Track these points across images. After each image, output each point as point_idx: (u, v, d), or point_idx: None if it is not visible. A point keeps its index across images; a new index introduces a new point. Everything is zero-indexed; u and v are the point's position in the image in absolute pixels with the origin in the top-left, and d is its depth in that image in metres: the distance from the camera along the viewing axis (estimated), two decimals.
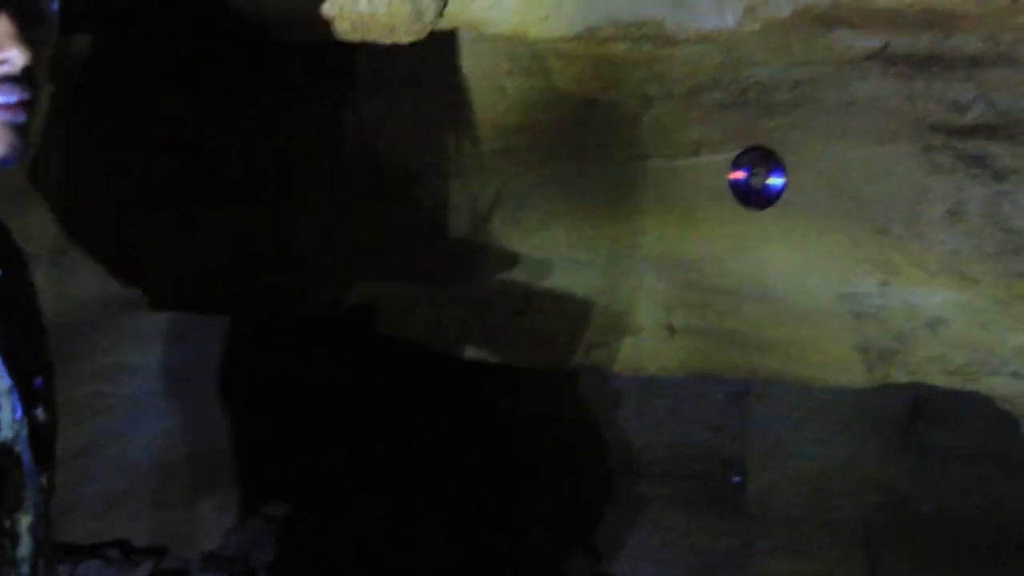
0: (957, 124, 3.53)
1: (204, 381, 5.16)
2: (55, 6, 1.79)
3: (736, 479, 5.22)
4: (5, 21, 1.66)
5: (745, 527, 5.51)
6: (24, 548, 1.89)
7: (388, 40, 3.31)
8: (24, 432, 1.87)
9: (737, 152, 3.72)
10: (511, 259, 4.18)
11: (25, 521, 1.88)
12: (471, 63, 3.88)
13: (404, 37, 3.31)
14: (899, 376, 4.07)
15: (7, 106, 1.69)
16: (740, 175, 3.68)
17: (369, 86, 4.10)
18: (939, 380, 4.02)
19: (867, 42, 3.30)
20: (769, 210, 3.71)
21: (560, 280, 4.21)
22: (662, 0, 3.20)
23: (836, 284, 3.95)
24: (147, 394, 4.86)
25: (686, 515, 5.65)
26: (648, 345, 4.25)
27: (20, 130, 1.70)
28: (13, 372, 1.85)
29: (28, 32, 1.68)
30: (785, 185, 3.64)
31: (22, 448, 1.86)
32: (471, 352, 4.60)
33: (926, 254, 3.78)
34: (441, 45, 3.73)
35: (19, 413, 1.86)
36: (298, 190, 4.29)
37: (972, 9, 2.94)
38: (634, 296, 4.19)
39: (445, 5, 3.21)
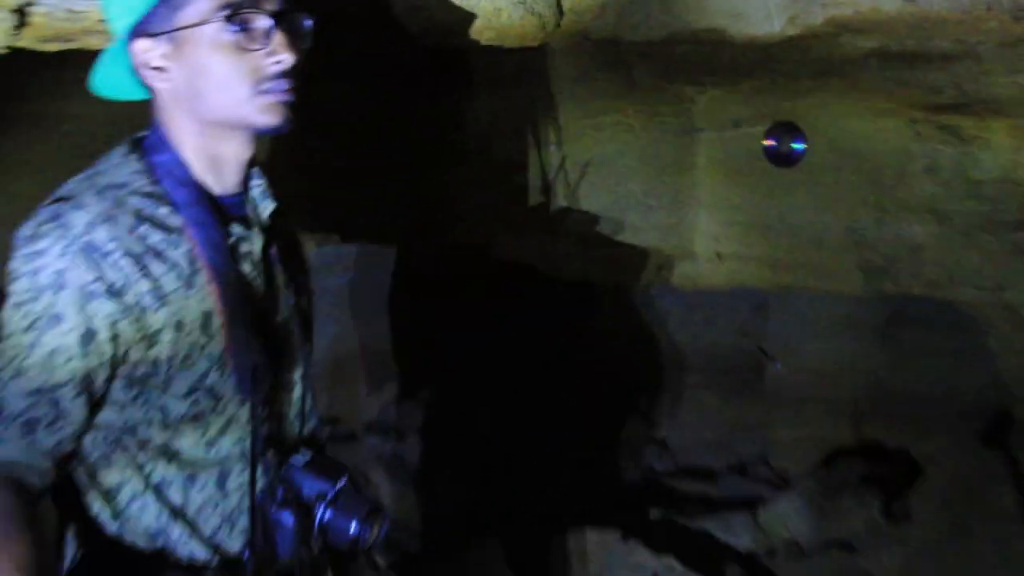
0: (935, 103, 3.84)
1: (365, 297, 5.41)
2: (309, 23, 2.01)
3: (777, 366, 5.44)
4: (280, 34, 1.91)
5: (762, 406, 5.85)
6: (297, 391, 2.18)
7: (518, 44, 3.47)
8: (294, 314, 2.16)
9: (769, 125, 4.10)
10: (601, 206, 4.54)
11: (298, 373, 2.18)
12: (571, 62, 4.21)
13: (531, 42, 3.49)
14: (888, 288, 4.55)
15: (284, 91, 1.94)
16: (772, 142, 4.04)
17: (487, 83, 4.39)
18: (917, 291, 4.49)
19: (868, 43, 3.48)
20: (793, 168, 4.09)
21: (637, 219, 4.56)
22: (726, 11, 3.37)
23: (843, 220, 4.36)
24: (325, 306, 4.98)
25: (718, 398, 6.02)
26: (703, 267, 4.66)
27: (290, 107, 1.96)
28: (288, 273, 2.15)
29: (295, 42, 1.94)
30: (806, 149, 4.00)
31: (294, 325, 2.15)
32: (572, 275, 4.95)
33: (910, 199, 4.21)
34: (551, 48, 4.03)
35: (291, 300, 2.15)
36: (434, 166, 4.59)
37: (949, 18, 3.14)
38: (692, 231, 4.59)
39: (562, 16, 3.44)
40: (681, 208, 4.57)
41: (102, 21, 2.28)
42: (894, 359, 5.56)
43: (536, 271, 5.01)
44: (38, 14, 2.22)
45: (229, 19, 1.87)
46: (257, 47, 1.91)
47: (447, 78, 4.20)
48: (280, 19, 1.92)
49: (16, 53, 2.30)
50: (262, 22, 1.90)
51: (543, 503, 5.16)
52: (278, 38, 1.91)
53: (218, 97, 1.93)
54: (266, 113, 1.93)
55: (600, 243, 4.60)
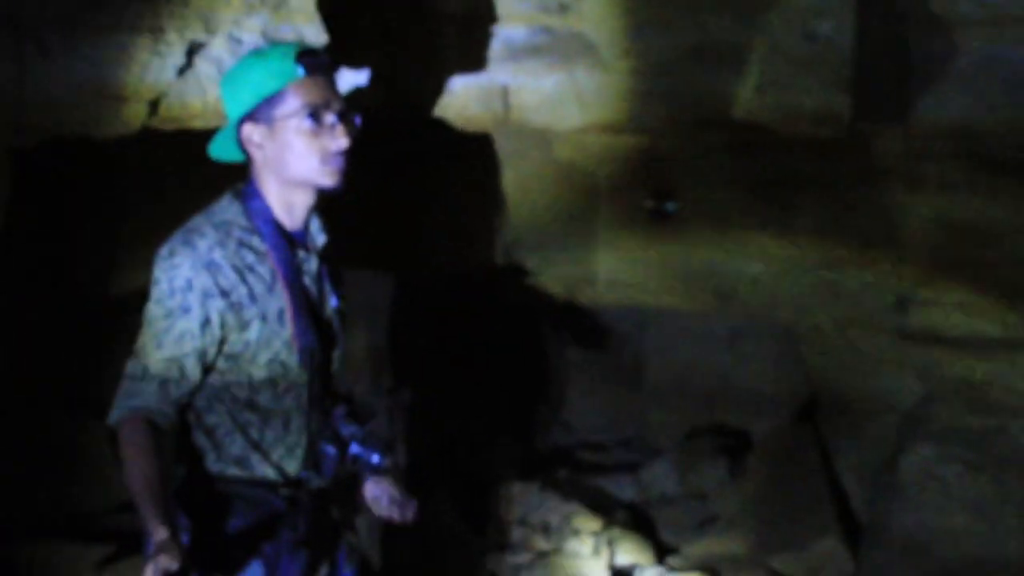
0: None
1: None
2: (359, 120, 2.21)
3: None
4: (341, 126, 2.14)
5: (641, 397, 5.81)
6: (336, 364, 2.36)
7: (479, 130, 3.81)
8: (335, 314, 2.34)
9: (650, 190, 4.26)
10: (531, 246, 4.63)
11: (337, 353, 2.35)
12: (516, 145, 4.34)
13: (488, 130, 3.83)
14: (733, 309, 4.74)
15: (342, 164, 2.16)
16: (653, 203, 4.22)
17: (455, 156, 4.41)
18: (753, 311, 4.72)
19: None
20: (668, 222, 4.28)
21: (556, 256, 4.66)
22: None
23: (702, 259, 4.51)
24: None
25: (608, 391, 5.89)
26: (601, 292, 4.79)
27: (345, 175, 2.19)
28: (332, 285, 2.33)
29: (350, 131, 2.15)
30: (677, 208, 4.18)
31: (335, 321, 2.33)
32: (511, 299, 5.05)
33: (749, 245, 4.43)
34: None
35: (335, 304, 2.33)
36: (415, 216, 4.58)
37: None
38: (595, 265, 4.64)
39: (509, 111, 3.63)
40: (585, 249, 4.62)
41: (205, 109, 2.56)
42: (736, 362, 5.54)
43: (484, 294, 5.10)
44: (163, 105, 2.46)
45: (309, 116, 2.15)
46: (326, 134, 2.17)
47: (427, 153, 4.29)
48: (341, 116, 2.18)
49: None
50: (330, 118, 2.17)
51: (482, 465, 5.19)
52: (339, 129, 2.17)
53: (297, 165, 2.18)
54: (329, 178, 2.19)
55: (529, 272, 4.73)
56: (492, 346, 5.52)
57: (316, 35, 2.70)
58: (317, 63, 2.17)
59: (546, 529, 4.82)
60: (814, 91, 3.31)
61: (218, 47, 2.47)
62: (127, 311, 3.33)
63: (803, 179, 4.11)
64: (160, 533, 1.86)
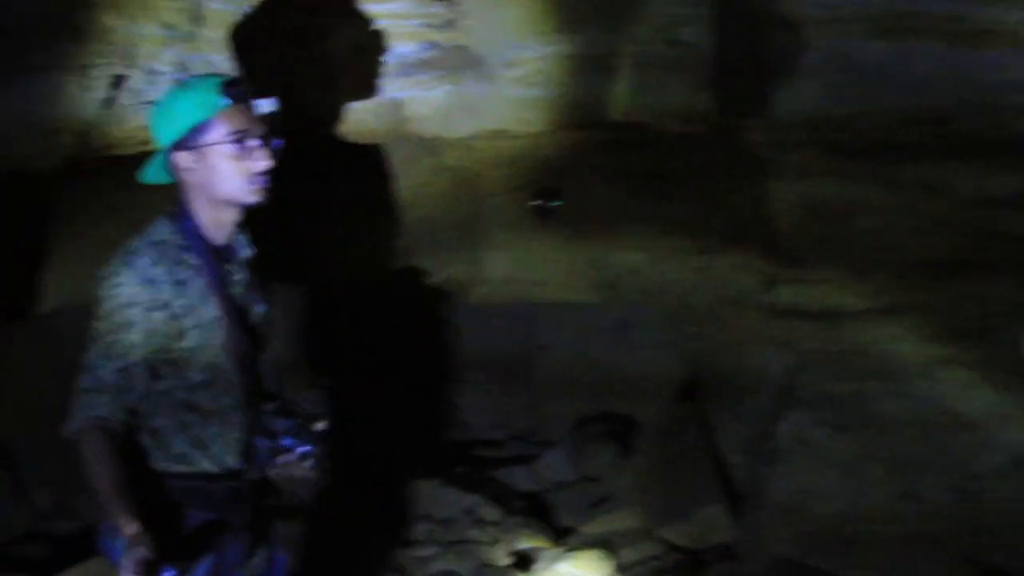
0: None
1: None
2: (280, 143, 2.45)
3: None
4: (263, 149, 2.40)
5: (532, 392, 6.00)
6: (265, 366, 2.62)
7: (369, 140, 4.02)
8: (262, 319, 2.62)
9: (535, 190, 4.52)
10: (425, 248, 4.85)
11: (265, 355, 2.62)
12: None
13: (379, 140, 4.04)
14: (616, 299, 5.08)
15: (265, 182, 2.41)
16: (538, 202, 4.50)
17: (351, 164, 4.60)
18: (634, 299, 5.08)
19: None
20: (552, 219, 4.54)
21: (448, 258, 4.91)
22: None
23: (585, 254, 4.83)
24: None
25: (499, 388, 6.02)
26: (492, 290, 5.06)
27: (268, 192, 2.44)
28: (259, 294, 2.61)
29: (271, 153, 2.42)
30: (560, 206, 4.46)
31: (262, 327, 2.62)
32: (408, 296, 5.22)
33: (627, 237, 4.79)
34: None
35: (261, 310, 2.61)
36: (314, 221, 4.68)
37: None
38: (485, 264, 4.91)
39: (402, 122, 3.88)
40: (476, 249, 4.87)
41: (127, 138, 2.75)
42: (621, 351, 5.72)
43: (383, 298, 5.24)
44: (90, 136, 2.66)
45: (234, 141, 2.40)
46: (249, 157, 2.42)
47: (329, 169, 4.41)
48: (262, 140, 2.44)
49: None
50: (252, 142, 2.43)
51: (385, 464, 5.31)
52: (261, 151, 2.43)
53: (225, 186, 2.44)
54: (254, 196, 2.46)
55: (424, 274, 4.95)
56: (392, 349, 5.67)
57: (223, 62, 2.94)
58: (239, 93, 2.42)
59: (449, 522, 5.03)
60: (681, 92, 3.68)
61: (137, 79, 2.69)
62: (53, 331, 3.49)
63: (675, 173, 4.43)
64: (132, 528, 2.11)
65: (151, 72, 2.78)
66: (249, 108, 2.44)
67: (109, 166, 2.91)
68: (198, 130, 2.39)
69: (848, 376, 4.73)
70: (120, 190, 3.21)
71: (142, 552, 2.08)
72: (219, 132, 2.39)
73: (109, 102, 2.66)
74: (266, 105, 2.48)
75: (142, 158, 2.49)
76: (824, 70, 4.02)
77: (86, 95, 2.56)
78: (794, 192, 4.42)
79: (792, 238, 4.54)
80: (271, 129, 2.48)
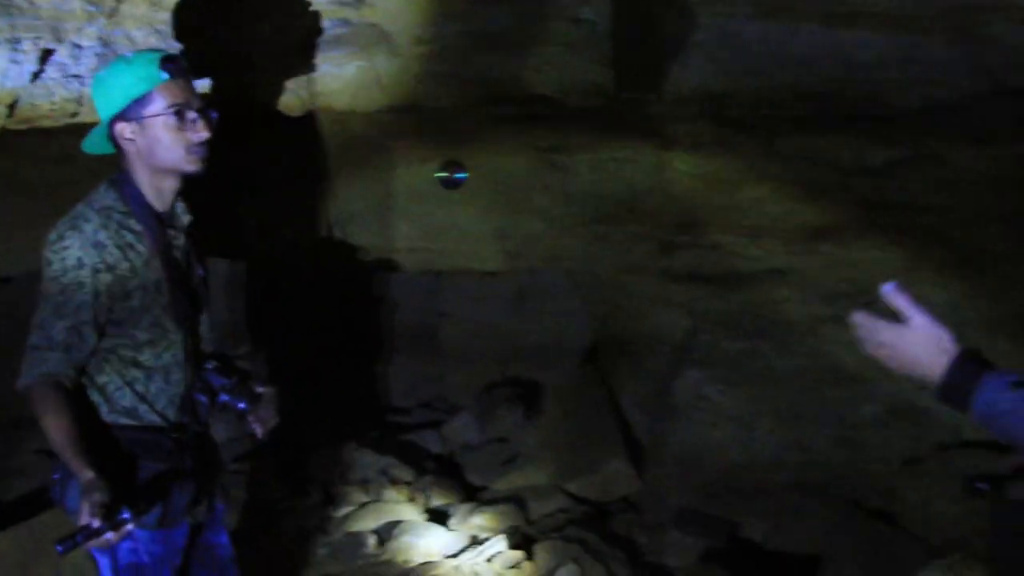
0: (544, 146, 4.67)
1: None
2: (215, 115, 2.60)
3: None
4: (202, 120, 2.55)
5: (439, 360, 6.23)
6: (204, 326, 2.78)
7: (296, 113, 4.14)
8: (200, 282, 2.75)
9: (441, 162, 4.67)
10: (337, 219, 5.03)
11: (204, 315, 2.77)
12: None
13: (297, 112, 4.16)
14: (520, 265, 5.32)
15: (203, 152, 2.56)
16: (444, 173, 4.62)
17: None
18: (538, 265, 5.27)
19: (509, 111, 4.29)
20: (459, 190, 4.68)
21: (357, 230, 5.07)
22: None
23: (491, 222, 5.08)
24: None
25: (408, 357, 6.22)
26: (401, 258, 5.26)
27: (206, 161, 2.60)
28: (197, 258, 2.74)
29: (209, 125, 2.57)
30: (466, 177, 4.59)
31: (200, 289, 2.74)
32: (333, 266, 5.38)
33: (531, 206, 5.00)
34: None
35: (200, 273, 2.75)
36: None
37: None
38: (394, 234, 5.11)
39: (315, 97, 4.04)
40: (386, 220, 5.03)
41: (53, 110, 2.89)
42: (523, 319, 5.96)
43: (295, 265, 5.39)
44: (18, 108, 2.79)
45: (174, 113, 2.57)
46: (188, 128, 2.60)
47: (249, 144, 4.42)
48: (200, 112, 2.61)
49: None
50: (191, 115, 2.60)
51: (300, 430, 5.14)
52: (200, 123, 2.60)
53: (166, 156, 2.60)
54: (193, 165, 2.62)
55: (336, 244, 5.09)
56: (304, 318, 5.79)
57: (144, 38, 3.07)
58: (178, 68, 2.58)
59: (364, 483, 5.21)
60: (582, 68, 3.91)
61: (63, 54, 2.81)
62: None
63: (576, 145, 4.66)
64: (87, 474, 2.28)
65: (75, 47, 2.87)
66: (187, 82, 2.59)
67: (35, 136, 3.02)
68: (139, 102, 2.54)
69: (740, 335, 5.03)
70: (47, 161, 3.36)
71: (99, 496, 2.26)
72: (159, 104, 2.55)
73: (37, 75, 2.76)
74: (200, 80, 2.65)
75: (69, 132, 2.65)
76: (712, 48, 4.27)
77: (17, 67, 2.65)
78: (686, 162, 4.71)
79: (685, 206, 4.81)
80: (205, 103, 2.63)
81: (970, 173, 4.49)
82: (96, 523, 2.22)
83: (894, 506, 4.70)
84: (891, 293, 1.81)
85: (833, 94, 4.52)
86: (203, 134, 2.60)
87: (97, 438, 2.53)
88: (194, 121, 2.59)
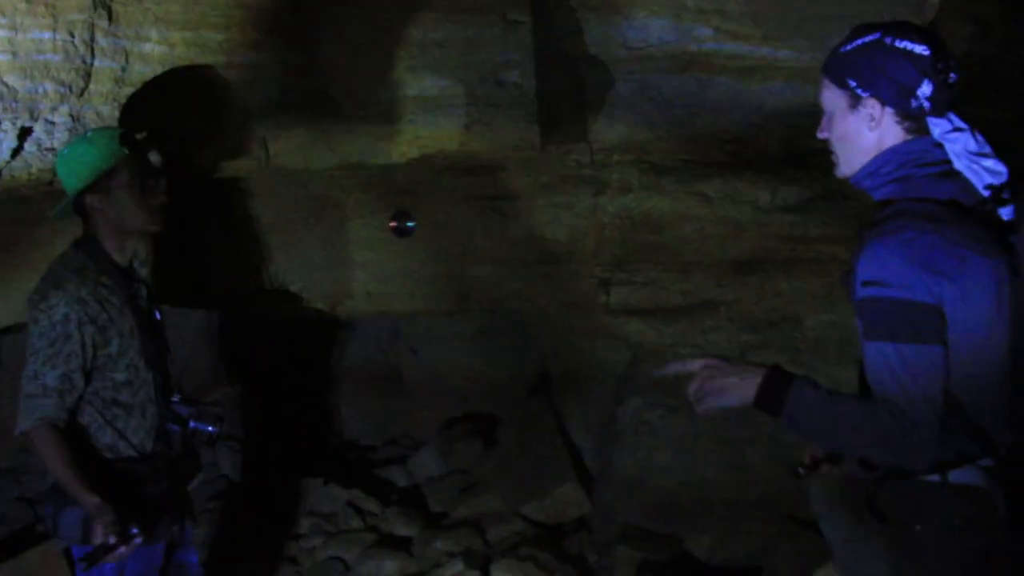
0: (487, 195, 4.98)
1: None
2: (162, 183, 2.97)
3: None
4: (161, 186, 2.98)
5: (402, 399, 6.56)
6: (168, 365, 3.14)
7: (245, 175, 4.37)
8: (160, 327, 3.13)
9: (392, 212, 4.81)
10: (294, 268, 5.24)
11: (168, 357, 3.13)
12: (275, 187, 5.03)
13: (253, 174, 4.40)
14: (472, 306, 5.50)
15: (162, 214, 2.97)
16: (394, 223, 4.74)
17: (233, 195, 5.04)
18: (487, 306, 5.51)
19: (443, 164, 4.62)
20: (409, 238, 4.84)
21: (318, 276, 5.27)
22: (360, 150, 4.42)
23: (443, 266, 5.23)
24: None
25: (372, 397, 6.59)
26: (358, 303, 5.40)
27: (164, 219, 2.99)
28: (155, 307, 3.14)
29: (168, 190, 2.98)
30: (415, 226, 4.73)
31: (161, 333, 3.12)
32: (285, 313, 5.59)
33: (478, 250, 5.26)
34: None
35: (158, 318, 3.12)
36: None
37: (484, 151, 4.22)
38: (350, 281, 5.29)
39: (268, 158, 4.21)
40: (343, 267, 5.23)
41: (30, 181, 3.19)
42: (480, 357, 6.32)
43: (258, 312, 5.65)
44: (2, 177, 3.10)
45: (138, 183, 2.90)
46: (149, 194, 2.93)
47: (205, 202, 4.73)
48: (157, 179, 2.96)
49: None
50: (151, 182, 2.94)
51: (268, 467, 5.78)
52: (160, 189, 2.97)
53: (131, 220, 2.98)
54: (156, 225, 2.98)
55: (295, 292, 5.29)
56: (269, 362, 6.11)
57: (111, 112, 3.38)
58: (135, 143, 2.94)
59: (332, 515, 5.51)
60: (510, 126, 4.18)
61: (38, 130, 3.12)
62: None
63: (515, 193, 4.96)
64: (94, 500, 2.67)
65: (48, 123, 3.18)
66: (144, 154, 2.95)
67: (16, 205, 3.36)
68: (106, 175, 2.89)
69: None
70: (20, 227, 3.68)
71: (110, 516, 2.59)
72: (123, 176, 2.91)
73: (16, 151, 3.08)
74: (155, 154, 2.99)
75: (44, 198, 3.04)
76: (634, 100, 4.59)
77: None
78: (617, 205, 5.01)
79: (618, 246, 5.11)
80: (160, 171, 3.00)
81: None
82: (112, 539, 2.55)
83: None
84: (669, 368, 2.29)
85: (747, 139, 4.84)
86: (163, 198, 2.95)
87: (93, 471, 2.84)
88: (154, 188, 2.93)
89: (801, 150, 4.88)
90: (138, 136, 2.96)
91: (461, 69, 4.08)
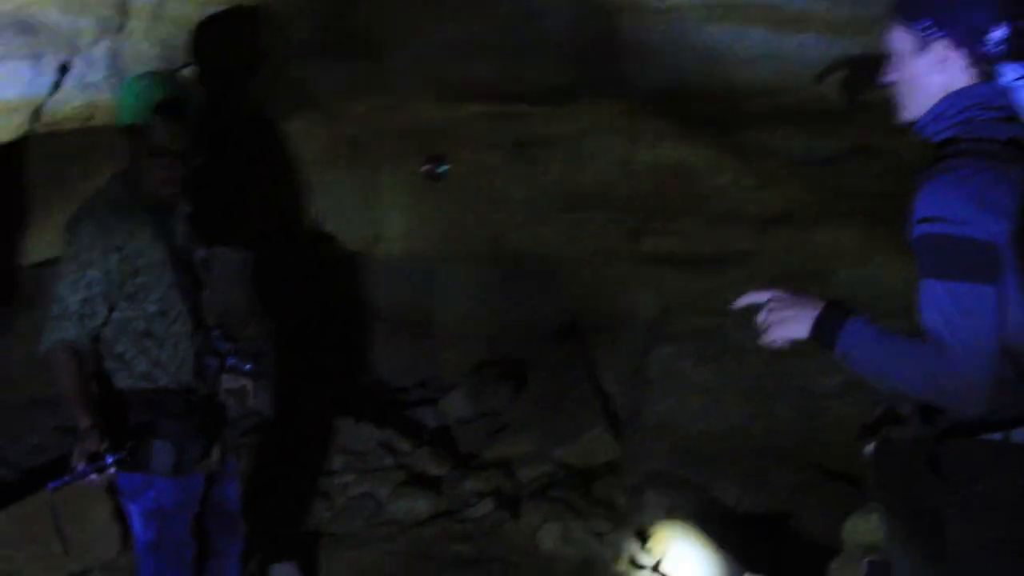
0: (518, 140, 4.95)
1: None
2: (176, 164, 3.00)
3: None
4: (178, 169, 2.95)
5: (432, 341, 6.51)
6: (204, 299, 3.14)
7: None
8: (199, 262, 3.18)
9: (425, 157, 4.51)
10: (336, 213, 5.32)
11: (204, 291, 3.15)
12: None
13: None
14: (503, 253, 5.56)
15: (174, 190, 3.00)
16: (427, 167, 4.44)
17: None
18: (519, 254, 5.52)
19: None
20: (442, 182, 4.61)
21: (355, 219, 5.36)
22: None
23: (479, 214, 5.31)
24: None
25: (405, 340, 6.50)
26: (393, 246, 5.49)
27: (176, 195, 3.04)
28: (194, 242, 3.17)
29: (187, 168, 3.01)
30: (448, 170, 4.38)
31: (199, 268, 3.15)
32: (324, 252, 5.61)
33: (509, 198, 5.27)
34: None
35: (198, 255, 3.16)
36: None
37: None
38: (385, 224, 5.37)
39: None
40: (378, 211, 5.30)
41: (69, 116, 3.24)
42: (509, 302, 6.26)
43: (295, 254, 5.68)
44: (41, 114, 3.13)
45: (156, 155, 2.95)
46: (160, 171, 2.96)
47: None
48: (176, 162, 2.97)
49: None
50: (168, 161, 2.95)
51: (302, 405, 5.79)
52: (174, 171, 2.96)
53: (146, 178, 2.98)
54: (162, 194, 3.02)
55: (330, 237, 5.38)
56: (304, 301, 6.10)
57: (149, 48, 3.39)
58: (170, 112, 2.92)
59: (365, 454, 5.55)
60: (543, 71, 4.18)
61: (78, 65, 3.15)
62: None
63: (547, 140, 4.95)
64: (85, 422, 2.72)
65: (87, 59, 3.20)
66: (176, 125, 2.93)
67: (53, 140, 3.41)
68: (140, 126, 2.92)
69: (706, 313, 5.30)
70: (64, 161, 3.72)
71: (89, 444, 2.64)
72: (148, 140, 2.91)
73: (56, 85, 3.11)
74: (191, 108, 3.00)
75: (83, 134, 3.11)
76: (667, 50, 4.53)
77: (39, 79, 3.00)
78: (650, 155, 5.00)
79: (651, 196, 5.12)
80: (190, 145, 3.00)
81: (908, 162, 4.73)
82: (82, 467, 2.59)
83: (854, 468, 4.86)
84: (742, 300, 2.24)
85: (781, 91, 4.77)
86: (169, 187, 2.97)
87: (111, 401, 2.92)
88: (167, 168, 2.94)
89: (835, 103, 4.81)
90: (177, 103, 2.94)
91: (494, 15, 4.04)
